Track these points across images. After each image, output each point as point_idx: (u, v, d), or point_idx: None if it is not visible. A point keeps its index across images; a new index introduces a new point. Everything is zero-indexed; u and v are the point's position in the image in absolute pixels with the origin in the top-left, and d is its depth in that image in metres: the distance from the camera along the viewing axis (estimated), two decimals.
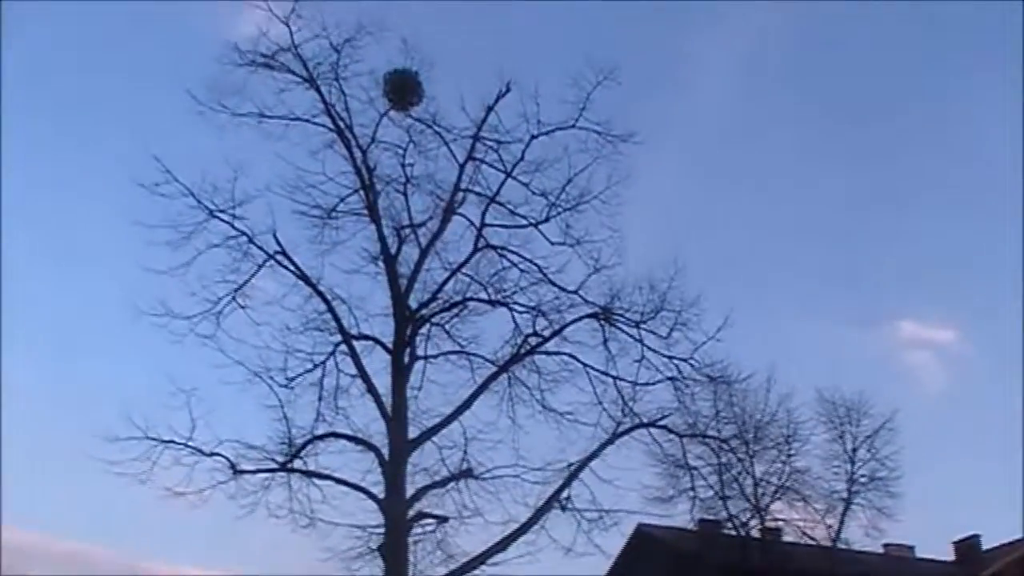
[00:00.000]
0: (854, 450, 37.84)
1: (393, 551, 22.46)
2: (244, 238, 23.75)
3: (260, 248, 23.82)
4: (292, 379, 23.67)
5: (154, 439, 22.46)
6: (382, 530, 22.85)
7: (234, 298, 23.65)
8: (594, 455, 23.71)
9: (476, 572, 23.14)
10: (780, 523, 38.16)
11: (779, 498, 37.10)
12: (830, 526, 37.63)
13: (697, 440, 27.74)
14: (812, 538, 38.04)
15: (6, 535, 72.38)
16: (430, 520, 23.41)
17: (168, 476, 22.64)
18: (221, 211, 23.52)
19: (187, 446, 22.71)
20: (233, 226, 23.63)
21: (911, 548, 48.77)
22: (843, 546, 38.10)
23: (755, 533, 37.13)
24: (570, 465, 23.62)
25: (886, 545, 45.18)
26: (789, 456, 36.82)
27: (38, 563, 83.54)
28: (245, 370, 23.36)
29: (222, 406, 23.60)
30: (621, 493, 23.94)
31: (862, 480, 37.79)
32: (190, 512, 22.73)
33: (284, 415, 23.41)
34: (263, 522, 23.09)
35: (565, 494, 23.49)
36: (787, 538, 38.76)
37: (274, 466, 23.26)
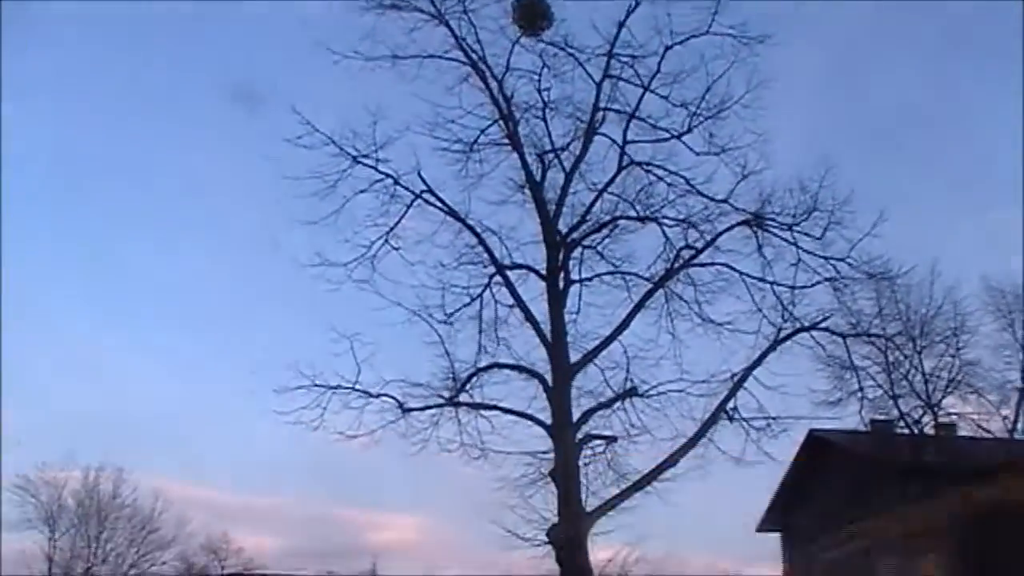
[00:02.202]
0: None
1: (565, 474, 22.66)
2: (390, 180, 23.96)
3: (406, 189, 24.03)
4: (451, 314, 23.93)
5: (322, 386, 22.97)
6: (552, 455, 23.06)
7: (386, 240, 23.96)
8: (757, 363, 23.49)
9: (648, 489, 23.24)
10: (954, 418, 37.45)
11: (951, 392, 36.41)
12: (1005, 417, 36.84)
13: (862, 340, 27.19)
14: (988, 431, 37.25)
15: (200, 494, 75.45)
16: (599, 441, 23.53)
17: (338, 421, 23.23)
18: (364, 156, 23.73)
19: (354, 389, 23.17)
20: (377, 169, 23.86)
21: None
22: (1020, 437, 37.22)
23: (929, 430, 36.47)
24: (734, 375, 23.44)
25: None
26: (958, 349, 36.07)
27: (230, 518, 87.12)
28: (404, 310, 23.71)
29: (385, 348, 24.02)
30: (788, 400, 23.70)
31: None
32: (366, 453, 23.26)
33: (446, 351, 23.70)
34: (436, 458, 23.56)
35: (731, 404, 23.35)
36: (962, 433, 38.02)
37: (441, 401, 23.56)
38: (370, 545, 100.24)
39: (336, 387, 23.14)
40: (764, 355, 23.62)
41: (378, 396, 23.38)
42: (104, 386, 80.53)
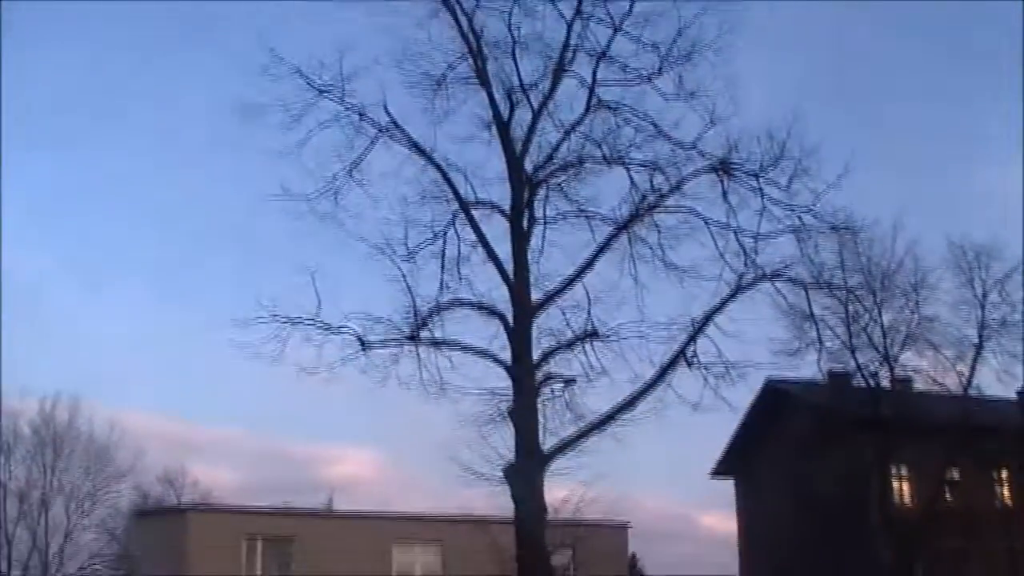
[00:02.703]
0: (984, 295, 37.02)
1: (523, 414, 22.74)
2: (355, 114, 23.72)
3: (372, 122, 23.79)
4: (413, 251, 23.79)
5: (282, 319, 22.87)
6: (511, 394, 23.12)
7: (350, 174, 23.74)
8: (718, 310, 23.56)
9: (605, 430, 23.36)
10: (910, 372, 37.81)
11: (908, 347, 36.74)
12: (961, 373, 37.16)
13: (822, 291, 27.38)
14: (943, 386, 37.61)
15: (157, 425, 75.19)
16: (558, 382, 23.59)
17: (299, 356, 23.16)
18: (330, 88, 23.47)
19: (315, 323, 23.09)
20: (343, 102, 23.60)
21: None
22: (975, 393, 37.63)
23: (885, 383, 36.81)
24: (694, 321, 23.52)
25: (1020, 391, 44.54)
26: (917, 304, 36.28)
27: (186, 450, 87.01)
28: (366, 246, 23.59)
29: (346, 283, 24.06)
30: (747, 347, 23.83)
31: (994, 325, 37.07)
32: (324, 389, 23.21)
33: (408, 287, 23.60)
34: (395, 394, 23.57)
35: (690, 350, 23.45)
36: (918, 387, 38.41)
37: (401, 338, 23.49)
38: (327, 479, 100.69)
39: (296, 320, 23.05)
40: (725, 302, 23.68)
41: (339, 331, 23.31)
42: (61, 316, 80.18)
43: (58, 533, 55.81)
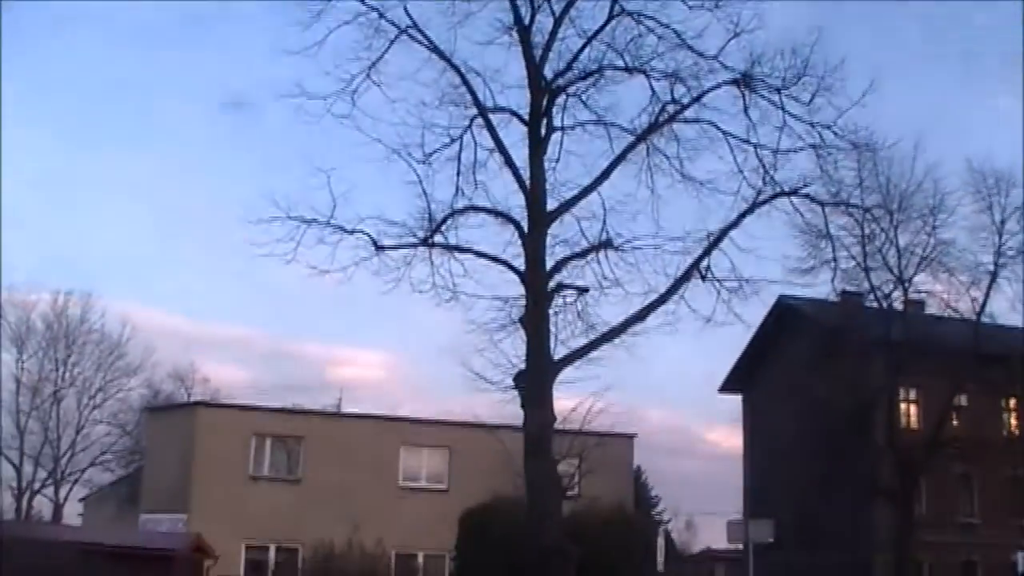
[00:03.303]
0: (1003, 222, 36.87)
1: (534, 322, 22.69)
2: (375, 14, 23.29)
3: (391, 23, 23.33)
4: (430, 155, 23.51)
5: (296, 219, 22.72)
6: (523, 302, 23.07)
7: (368, 75, 23.33)
8: (734, 224, 23.39)
9: (616, 342, 23.36)
10: (924, 295, 37.74)
11: (923, 270, 36.66)
12: (975, 299, 37.09)
13: (840, 209, 27.22)
14: (956, 311, 37.57)
15: (169, 322, 75.49)
16: (570, 291, 23.52)
17: (312, 256, 23.08)
18: None
19: (329, 224, 22.93)
20: (363, 2, 23.20)
21: None
22: (988, 320, 37.59)
23: (898, 305, 36.74)
24: (710, 235, 23.36)
25: None
26: (934, 227, 36.13)
27: (197, 348, 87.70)
28: (383, 147, 23.29)
29: (362, 185, 23.83)
30: (762, 264, 23.74)
31: (1010, 252, 36.98)
32: (337, 290, 23.11)
33: (423, 191, 23.39)
34: (407, 298, 23.53)
35: (705, 264, 23.32)
36: (930, 311, 38.36)
37: (415, 241, 23.38)
38: (336, 381, 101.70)
39: (311, 221, 22.87)
40: (742, 217, 23.50)
41: (353, 232, 23.15)
42: (76, 211, 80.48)
43: (70, 427, 56.59)
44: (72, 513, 58.32)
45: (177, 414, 40.88)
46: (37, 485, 56.84)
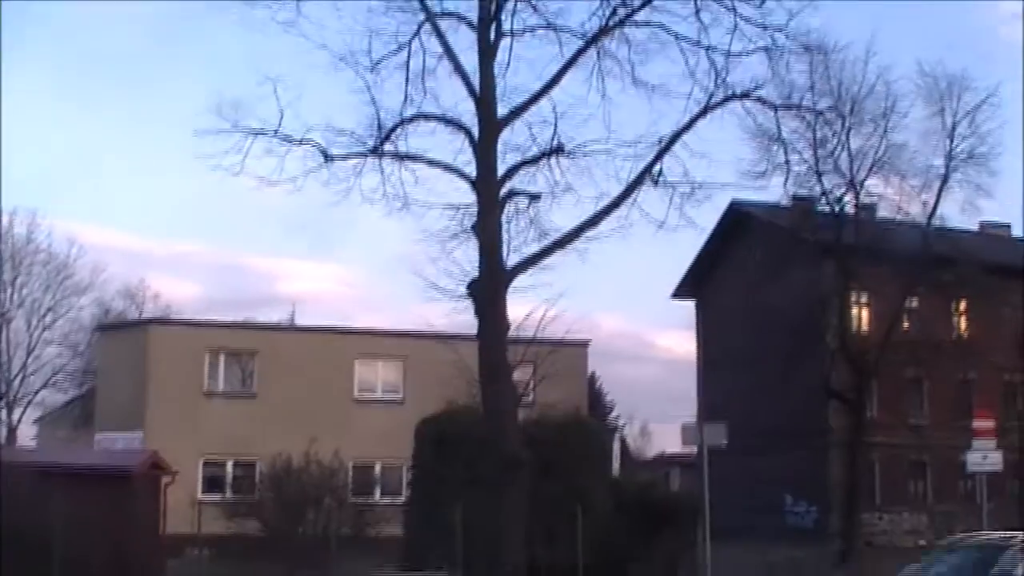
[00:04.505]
0: (954, 125, 36.77)
1: (487, 229, 22.57)
2: None
3: None
4: (377, 62, 23.05)
5: (244, 130, 22.39)
6: (475, 210, 22.92)
7: None
8: (686, 128, 23.22)
9: (569, 248, 23.30)
10: (875, 199, 37.83)
11: (875, 174, 36.63)
12: (926, 203, 37.22)
13: (792, 112, 27.20)
14: (907, 215, 37.74)
15: (117, 239, 74.47)
16: (522, 198, 23.40)
17: (261, 168, 22.82)
18: None
19: (277, 135, 22.63)
20: None
21: (1007, 227, 48.32)
22: (938, 224, 37.78)
23: (849, 210, 36.83)
24: (662, 139, 23.19)
25: (982, 223, 44.90)
26: (886, 130, 35.94)
27: (147, 265, 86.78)
28: (329, 55, 22.92)
29: (309, 94, 23.41)
30: (714, 168, 23.79)
31: (961, 156, 36.94)
32: (286, 202, 22.91)
33: (372, 99, 23.03)
34: (358, 209, 23.32)
35: (657, 168, 23.22)
36: (882, 215, 38.52)
37: (365, 151, 23.13)
38: (288, 294, 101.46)
39: (258, 131, 22.56)
40: (693, 120, 23.32)
41: (301, 143, 22.91)
42: (16, 127, 78.76)
43: (20, 349, 55.98)
44: (26, 436, 58.10)
45: (129, 332, 40.61)
46: None
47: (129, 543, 24.61)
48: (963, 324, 46.17)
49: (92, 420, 41.53)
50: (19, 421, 57.78)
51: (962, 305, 45.13)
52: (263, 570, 25.66)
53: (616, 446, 33.11)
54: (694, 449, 30.97)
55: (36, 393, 57.40)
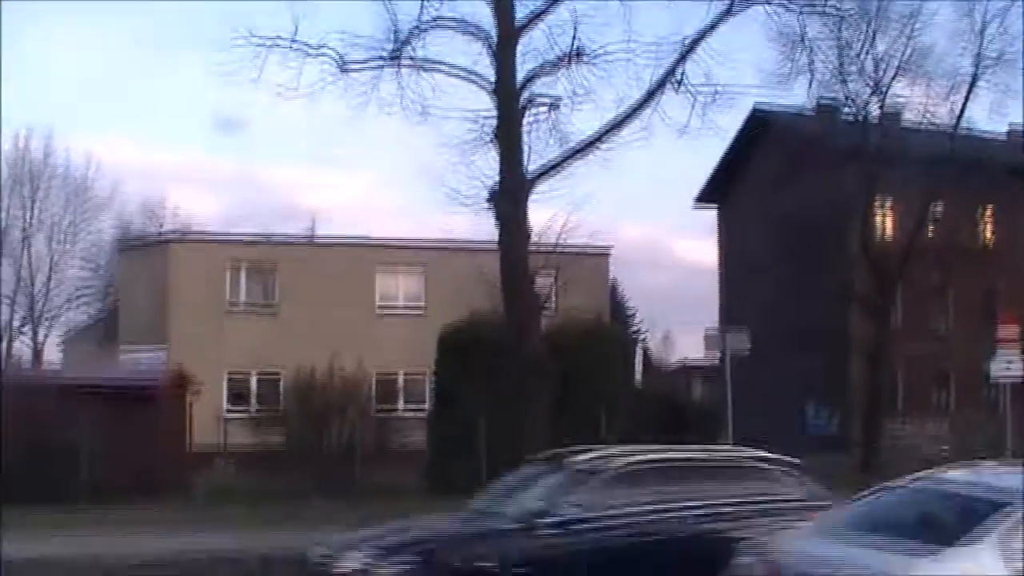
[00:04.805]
0: (983, 26, 35.81)
1: (507, 137, 22.42)
2: None
3: None
4: None
5: (260, 41, 22.18)
6: (495, 117, 22.68)
7: None
8: (709, 30, 22.98)
9: (590, 154, 23.08)
10: (901, 104, 37.19)
11: (901, 77, 35.89)
12: (953, 107, 36.51)
13: (816, 14, 26.61)
14: (934, 119, 37.09)
15: (135, 155, 74.35)
16: (543, 104, 23.12)
17: (278, 79, 22.65)
18: None
19: (293, 45, 22.40)
20: None
21: None
22: (965, 128, 37.13)
23: (874, 115, 36.25)
24: (684, 42, 22.87)
25: (1011, 127, 44.13)
26: (913, 32, 35.12)
27: (166, 180, 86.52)
28: None
29: (325, 3, 23.16)
30: (737, 72, 23.37)
31: (990, 58, 35.92)
32: (304, 114, 22.82)
33: (388, 5, 22.78)
34: (377, 119, 23.14)
35: (679, 72, 22.92)
36: (907, 119, 37.91)
37: (382, 59, 22.85)
38: (308, 206, 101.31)
39: (274, 42, 22.33)
40: (716, 23, 23.08)
41: (317, 52, 22.65)
42: (33, 44, 78.21)
43: (42, 268, 56.09)
44: (51, 355, 58.53)
45: (150, 249, 40.58)
46: (14, 329, 56.72)
47: (155, 458, 24.85)
48: (989, 231, 45.67)
49: (116, 337, 41.69)
50: (44, 340, 58.23)
51: (988, 211, 44.59)
52: (288, 482, 25.82)
53: (638, 354, 33.07)
54: (717, 356, 30.95)
55: (59, 312, 57.72)
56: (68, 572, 15.02)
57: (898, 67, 35.28)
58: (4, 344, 55.26)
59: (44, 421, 22.71)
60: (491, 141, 22.78)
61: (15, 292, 55.49)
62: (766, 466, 11.89)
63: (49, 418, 22.82)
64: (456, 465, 25.80)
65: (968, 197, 39.60)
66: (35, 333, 57.37)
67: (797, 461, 12.26)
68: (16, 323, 56.44)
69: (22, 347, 57.02)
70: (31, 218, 55.37)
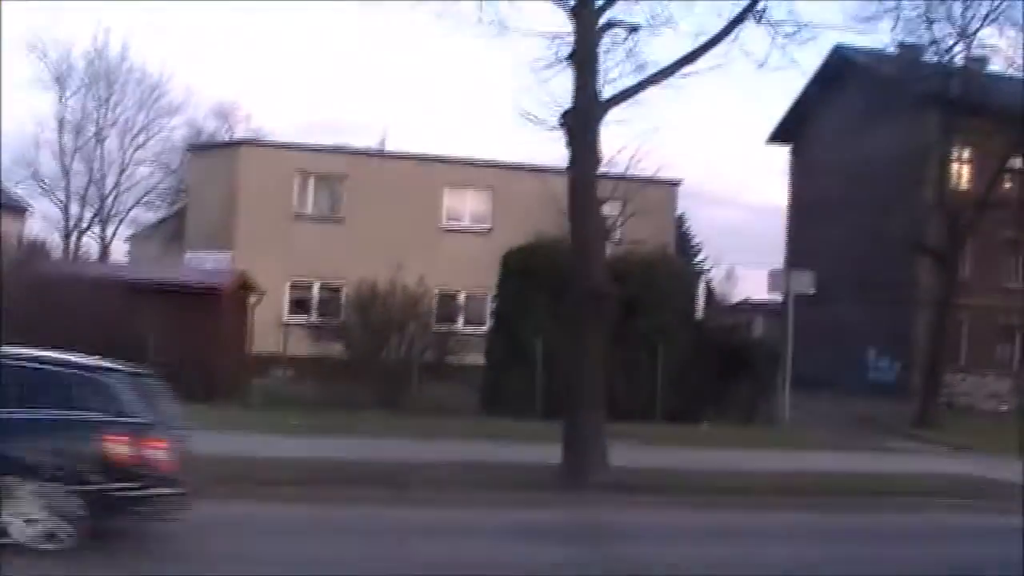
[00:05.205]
0: None
1: (582, 60, 21.96)
2: None
3: None
4: None
5: None
6: (572, 39, 22.36)
7: None
8: None
9: (666, 83, 22.72)
10: (986, 51, 36.26)
11: (988, 24, 34.91)
12: None
13: None
14: (1019, 69, 36.15)
15: (209, 59, 73.85)
16: (621, 28, 22.72)
17: None
18: None
19: None
20: None
21: None
22: None
23: (958, 61, 35.40)
24: None
25: None
26: None
27: (240, 85, 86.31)
28: None
29: None
30: (821, 8, 22.78)
31: None
32: (381, 26, 22.59)
33: None
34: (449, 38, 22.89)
35: (761, 5, 22.37)
36: (992, 68, 37.02)
37: None
38: (380, 121, 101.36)
39: None
40: None
41: None
42: None
43: (114, 167, 56.75)
44: (119, 252, 59.34)
45: (220, 153, 40.83)
46: (84, 225, 57.53)
47: (216, 359, 25.15)
48: None
49: (182, 239, 42.13)
50: (112, 238, 59.08)
51: None
52: (346, 392, 26.08)
53: (701, 288, 32.82)
54: (780, 296, 30.71)
55: (129, 211, 58.51)
56: None
57: (987, 13, 34.28)
58: (73, 241, 56.15)
59: (110, 317, 22.89)
60: (566, 63, 22.45)
61: (86, 190, 56.24)
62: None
63: (115, 314, 23.01)
64: (511, 385, 25.96)
65: None
66: (103, 231, 58.24)
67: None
68: (86, 220, 57.29)
69: (90, 244, 57.96)
70: (105, 117, 55.91)
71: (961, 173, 40.97)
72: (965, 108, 35.09)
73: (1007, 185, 39.31)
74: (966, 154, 40.32)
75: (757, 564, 11.80)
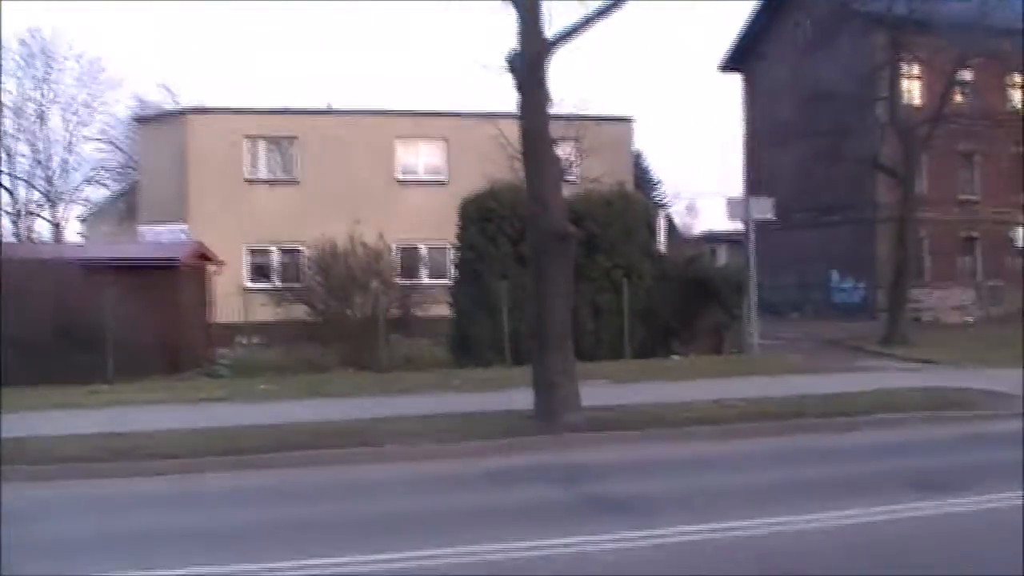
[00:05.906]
0: None
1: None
2: None
3: None
4: None
5: None
6: None
7: None
8: None
9: (612, 17, 22.42)
10: None
11: None
12: None
13: None
14: None
15: (148, 29, 72.84)
16: None
17: None
18: None
19: None
20: None
21: None
22: None
23: None
24: None
25: None
26: None
27: (181, 53, 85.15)
28: None
29: None
30: None
31: None
32: None
33: None
34: None
35: None
36: None
37: None
38: (324, 78, 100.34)
39: None
40: None
41: None
42: None
43: (59, 146, 55.97)
44: (72, 233, 58.72)
45: (167, 123, 40.23)
46: (33, 207, 56.81)
47: (178, 332, 24.88)
48: (1017, 96, 44.87)
49: (136, 214, 41.64)
50: (65, 219, 58.36)
51: (1017, 77, 43.74)
52: (314, 354, 25.88)
53: (662, 222, 32.72)
54: (740, 224, 30.63)
55: (76, 189, 57.77)
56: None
57: None
58: (24, 224, 55.44)
59: (68, 298, 22.57)
60: (509, 3, 22.12)
61: (32, 170, 55.47)
62: None
63: (73, 295, 22.67)
64: (479, 334, 25.82)
65: (997, 62, 38.74)
66: (54, 212, 57.51)
67: None
68: (35, 203, 56.58)
69: (42, 227, 57.30)
70: (45, 95, 55.06)
71: (912, 90, 40.97)
72: (912, 24, 34.98)
73: (958, 99, 39.37)
74: (916, 70, 40.29)
75: (739, 490, 11.74)
